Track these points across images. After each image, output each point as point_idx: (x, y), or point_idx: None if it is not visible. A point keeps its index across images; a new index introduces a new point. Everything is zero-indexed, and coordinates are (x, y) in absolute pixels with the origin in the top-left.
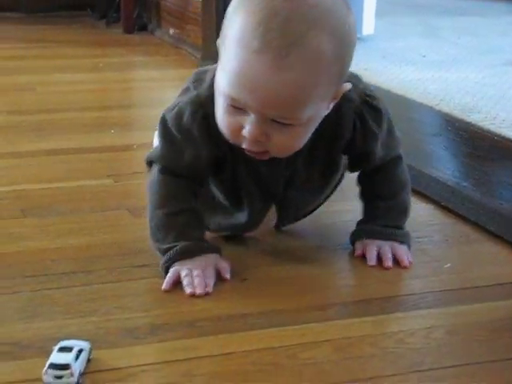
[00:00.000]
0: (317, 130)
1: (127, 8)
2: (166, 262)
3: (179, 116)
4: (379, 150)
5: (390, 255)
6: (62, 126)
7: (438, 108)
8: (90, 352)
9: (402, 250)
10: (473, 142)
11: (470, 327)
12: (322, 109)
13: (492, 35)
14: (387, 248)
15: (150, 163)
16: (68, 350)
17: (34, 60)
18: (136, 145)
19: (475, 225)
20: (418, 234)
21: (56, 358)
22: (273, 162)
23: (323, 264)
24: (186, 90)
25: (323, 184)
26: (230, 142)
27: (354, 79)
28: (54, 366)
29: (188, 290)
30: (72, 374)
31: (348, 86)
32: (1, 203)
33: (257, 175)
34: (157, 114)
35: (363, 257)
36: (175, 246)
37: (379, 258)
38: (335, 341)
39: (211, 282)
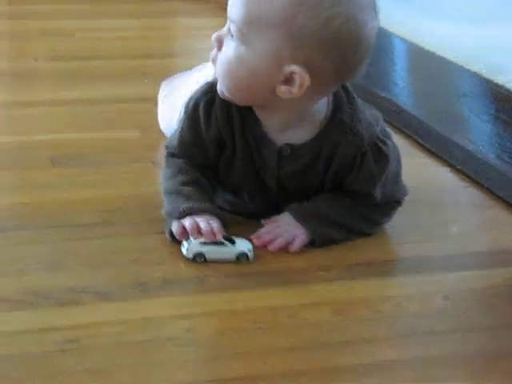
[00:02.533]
0: (319, 144)
1: None
2: (168, 218)
3: (188, 100)
4: (378, 193)
5: (281, 243)
6: (98, 74)
7: (467, 67)
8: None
9: (298, 242)
10: (497, 105)
11: (468, 293)
12: (265, 55)
13: None
14: (287, 235)
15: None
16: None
17: (75, 4)
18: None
19: (488, 190)
20: (429, 196)
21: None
22: (265, 157)
23: None
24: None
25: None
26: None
27: (373, 119)
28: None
29: (193, 234)
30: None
31: (294, 68)
32: (31, 152)
33: (252, 167)
34: (192, 64)
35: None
36: (179, 207)
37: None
38: (335, 302)
39: (217, 227)
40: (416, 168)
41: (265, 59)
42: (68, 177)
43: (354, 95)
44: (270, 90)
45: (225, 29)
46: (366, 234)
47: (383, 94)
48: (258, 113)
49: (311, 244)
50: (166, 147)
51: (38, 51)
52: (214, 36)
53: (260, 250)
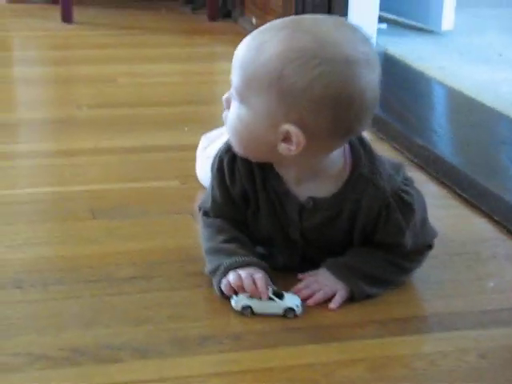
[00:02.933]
0: (341, 199)
1: None
2: (214, 276)
3: (213, 161)
4: (409, 241)
5: (320, 297)
6: (139, 121)
7: (507, 113)
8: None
9: (338, 298)
10: None
11: (503, 351)
12: (262, 115)
13: None
14: (326, 290)
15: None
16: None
17: (119, 49)
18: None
19: None
20: (466, 249)
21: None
22: (288, 211)
23: None
24: None
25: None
26: None
27: (394, 169)
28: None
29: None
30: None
31: (289, 127)
32: (73, 203)
33: (277, 222)
34: None
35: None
36: (223, 263)
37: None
38: (370, 360)
39: (261, 280)
40: (453, 219)
41: (261, 119)
42: (108, 229)
43: (371, 147)
44: (272, 148)
45: (229, 94)
46: (400, 284)
47: (421, 143)
48: (277, 168)
49: (350, 299)
50: (199, 208)
51: (80, 98)
52: (223, 97)
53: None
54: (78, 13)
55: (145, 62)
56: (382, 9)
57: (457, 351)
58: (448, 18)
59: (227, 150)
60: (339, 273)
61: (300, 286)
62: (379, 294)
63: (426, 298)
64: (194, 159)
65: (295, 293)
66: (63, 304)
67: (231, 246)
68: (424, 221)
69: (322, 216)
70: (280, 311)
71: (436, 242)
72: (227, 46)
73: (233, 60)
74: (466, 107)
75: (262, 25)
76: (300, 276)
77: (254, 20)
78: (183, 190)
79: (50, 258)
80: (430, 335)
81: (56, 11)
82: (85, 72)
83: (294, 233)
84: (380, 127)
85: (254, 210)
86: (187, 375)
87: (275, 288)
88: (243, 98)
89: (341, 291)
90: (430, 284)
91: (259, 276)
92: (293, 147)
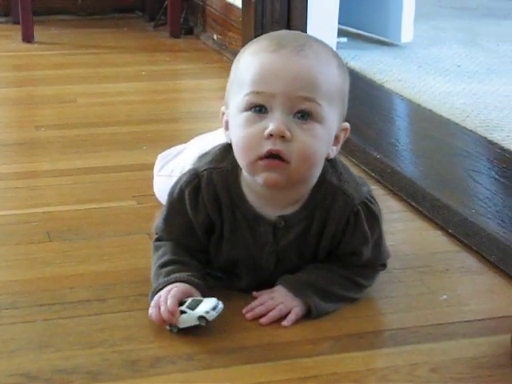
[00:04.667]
0: (311, 209)
1: (174, 11)
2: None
3: (173, 187)
4: (367, 253)
5: (275, 315)
6: (98, 141)
7: (463, 125)
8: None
9: (293, 315)
10: (491, 164)
11: (453, 364)
12: (333, 125)
13: None
14: (281, 307)
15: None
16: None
17: (79, 68)
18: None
19: (479, 255)
20: (420, 263)
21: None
22: (261, 234)
23: None
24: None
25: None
26: (247, 169)
27: (360, 180)
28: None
29: (149, 312)
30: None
31: (347, 124)
32: (29, 226)
33: (245, 247)
34: (190, 128)
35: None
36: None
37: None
38: (322, 377)
39: (172, 301)
40: (408, 232)
41: (333, 128)
42: (63, 251)
43: (336, 158)
44: (325, 157)
45: (281, 117)
46: (354, 300)
47: (378, 156)
48: (246, 192)
49: (305, 316)
50: (154, 234)
51: (40, 119)
52: (277, 130)
53: (250, 322)
54: (38, 32)
55: (105, 81)
56: (341, 22)
57: (408, 366)
58: (407, 31)
59: (190, 181)
60: (295, 289)
61: (254, 303)
62: (334, 311)
63: (380, 313)
64: (151, 178)
65: (248, 311)
66: (16, 328)
67: (169, 268)
68: (381, 237)
69: (296, 232)
70: (194, 322)
71: (390, 255)
72: (189, 63)
73: (287, 77)
74: (423, 119)
75: (224, 41)
76: (255, 294)
77: (215, 36)
78: (140, 209)
79: (3, 282)
80: (383, 350)
81: (16, 31)
82: (45, 92)
83: (267, 256)
84: None
85: (218, 237)
86: None
87: (197, 298)
88: (324, 117)
89: (296, 308)
90: (385, 299)
91: (171, 293)
92: (339, 147)
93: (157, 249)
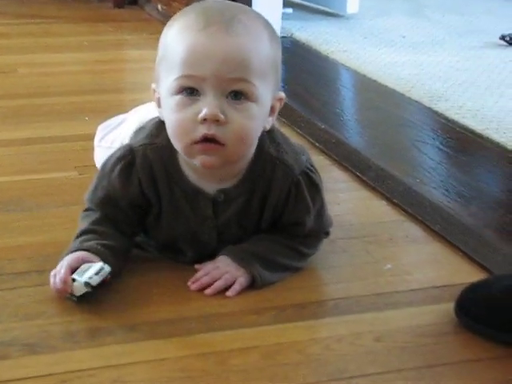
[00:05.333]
0: (250, 182)
1: None
2: None
3: (106, 160)
4: (310, 223)
5: (220, 284)
6: (40, 112)
7: (408, 95)
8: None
9: (237, 285)
10: (435, 133)
11: (397, 333)
12: (267, 101)
13: (478, 14)
14: (227, 276)
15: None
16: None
17: (20, 38)
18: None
19: (424, 224)
20: (365, 232)
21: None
22: (200, 209)
23: None
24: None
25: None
26: (183, 151)
27: (299, 149)
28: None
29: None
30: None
31: (282, 94)
32: None
33: (185, 223)
34: (133, 99)
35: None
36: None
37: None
38: (265, 347)
39: (65, 270)
40: (353, 202)
41: (267, 106)
42: (3, 223)
43: (273, 127)
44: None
45: (214, 100)
46: (298, 269)
47: (323, 126)
48: (183, 166)
49: (249, 286)
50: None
51: None
52: (211, 114)
53: (193, 293)
54: None
55: (47, 51)
56: None
57: (352, 335)
58: (353, 2)
59: (123, 157)
60: (240, 259)
61: (199, 273)
62: (279, 281)
63: (324, 283)
64: (93, 149)
65: (193, 282)
66: None
67: (82, 238)
68: (323, 206)
69: (236, 205)
70: (83, 289)
71: (335, 225)
72: (134, 34)
73: (219, 58)
74: (368, 90)
75: (169, 11)
76: (197, 266)
77: (159, 6)
78: (81, 180)
79: None
80: (326, 320)
81: None
82: None
83: (208, 231)
84: (283, 112)
85: (156, 216)
86: (77, 369)
87: (87, 264)
88: (258, 95)
89: (241, 278)
90: (329, 269)
91: (65, 262)
92: (274, 116)
93: (82, 219)
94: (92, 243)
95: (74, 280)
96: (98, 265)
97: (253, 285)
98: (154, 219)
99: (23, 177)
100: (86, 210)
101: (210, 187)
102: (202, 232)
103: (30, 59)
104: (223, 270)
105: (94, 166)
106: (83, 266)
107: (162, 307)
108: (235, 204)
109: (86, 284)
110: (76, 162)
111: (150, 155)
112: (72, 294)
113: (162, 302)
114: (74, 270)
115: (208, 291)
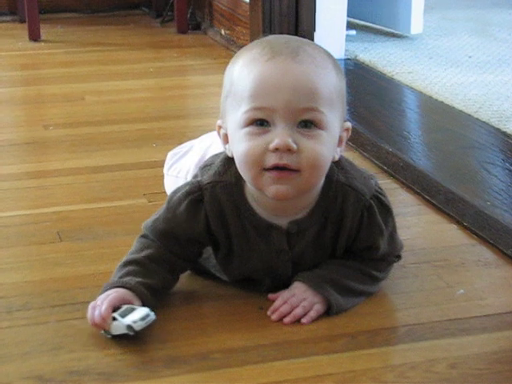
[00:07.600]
0: (322, 211)
1: (181, 7)
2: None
3: (173, 193)
4: (384, 246)
5: (299, 312)
6: (107, 139)
7: (475, 116)
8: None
9: (314, 313)
10: (505, 154)
11: (472, 360)
12: (336, 129)
13: None
14: (305, 304)
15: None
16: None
17: (86, 66)
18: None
19: (496, 248)
20: (435, 257)
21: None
22: (274, 243)
23: None
24: (194, 176)
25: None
26: (253, 182)
27: (367, 175)
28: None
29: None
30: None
31: (349, 124)
32: (39, 226)
33: (259, 258)
34: (198, 125)
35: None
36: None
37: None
38: (339, 374)
39: (104, 306)
40: (422, 226)
41: (336, 132)
42: (74, 251)
43: (340, 156)
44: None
45: (285, 131)
46: (370, 294)
47: (390, 149)
48: (253, 203)
49: (326, 313)
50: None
51: (48, 118)
52: (283, 144)
53: (266, 320)
54: (45, 31)
55: (113, 78)
56: (350, 15)
57: (426, 362)
58: (417, 22)
59: (191, 192)
60: (316, 285)
61: (278, 302)
62: (353, 307)
63: (395, 309)
64: (161, 176)
65: (273, 312)
66: (28, 330)
67: (128, 269)
68: (395, 229)
69: (310, 235)
70: (124, 330)
71: (405, 249)
72: (197, 59)
73: (288, 89)
74: (435, 111)
75: (232, 36)
76: (271, 296)
77: (222, 31)
78: (151, 207)
79: (14, 284)
80: (399, 346)
81: (23, 30)
82: (52, 91)
83: (283, 264)
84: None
85: (226, 254)
86: None
87: (131, 306)
88: (327, 123)
89: (317, 305)
90: (400, 294)
91: (108, 298)
92: (342, 146)
93: (135, 244)
94: (135, 282)
95: (114, 318)
96: (144, 310)
97: (327, 311)
98: (224, 257)
99: (93, 205)
100: (142, 236)
101: (281, 220)
102: (277, 265)
103: (97, 87)
104: (300, 297)
105: (163, 192)
106: (125, 307)
107: (234, 335)
108: (309, 234)
109: (129, 327)
110: (145, 190)
111: (219, 193)
112: (107, 331)
113: (235, 329)
114: (113, 308)
115: (287, 320)
